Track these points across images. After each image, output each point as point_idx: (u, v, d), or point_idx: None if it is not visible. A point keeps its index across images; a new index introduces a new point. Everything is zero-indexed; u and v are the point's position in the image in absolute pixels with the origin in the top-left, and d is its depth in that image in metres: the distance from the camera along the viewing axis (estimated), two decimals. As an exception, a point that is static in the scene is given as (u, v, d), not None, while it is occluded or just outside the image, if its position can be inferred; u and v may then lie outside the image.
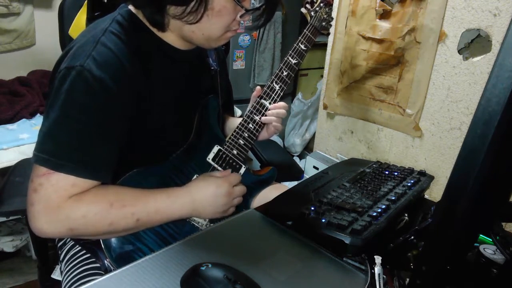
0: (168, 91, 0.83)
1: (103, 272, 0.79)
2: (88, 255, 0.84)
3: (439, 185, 1.32)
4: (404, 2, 1.38)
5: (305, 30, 1.05)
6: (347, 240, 0.64)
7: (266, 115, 0.97)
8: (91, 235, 0.73)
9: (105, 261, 0.78)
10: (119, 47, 0.73)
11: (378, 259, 0.62)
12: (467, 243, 0.60)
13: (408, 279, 0.61)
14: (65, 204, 0.68)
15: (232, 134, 0.95)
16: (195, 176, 0.89)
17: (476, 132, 0.43)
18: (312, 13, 1.10)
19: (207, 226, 0.87)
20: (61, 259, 0.89)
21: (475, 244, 0.66)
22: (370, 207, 0.73)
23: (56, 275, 0.99)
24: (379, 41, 1.47)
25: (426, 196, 0.93)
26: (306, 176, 1.78)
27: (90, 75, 0.69)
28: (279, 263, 0.64)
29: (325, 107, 1.79)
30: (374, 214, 0.70)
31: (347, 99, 1.67)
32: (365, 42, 1.53)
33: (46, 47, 2.14)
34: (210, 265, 0.58)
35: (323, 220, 0.69)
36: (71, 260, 0.85)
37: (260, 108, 0.97)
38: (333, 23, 1.15)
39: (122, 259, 0.76)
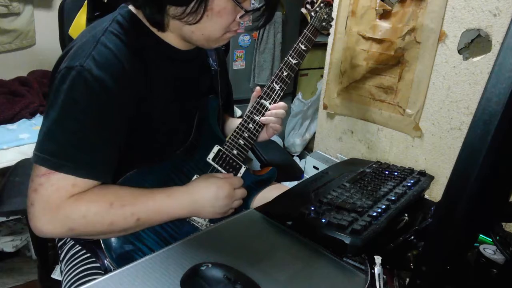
0: (168, 91, 0.83)
1: (103, 272, 0.79)
2: (88, 254, 0.84)
3: (439, 185, 1.32)
4: (404, 2, 1.38)
5: (305, 30, 1.05)
6: (347, 240, 0.64)
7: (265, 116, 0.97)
8: (91, 234, 0.73)
9: (105, 261, 0.78)
10: (119, 47, 0.73)
11: (378, 259, 0.62)
12: (467, 243, 0.60)
13: (408, 279, 0.61)
14: (65, 204, 0.68)
15: (232, 134, 0.95)
16: (195, 176, 0.89)
17: (476, 132, 0.43)
18: (313, 13, 1.10)
19: (207, 226, 0.87)
20: (61, 258, 0.89)
21: (475, 244, 0.66)
22: (370, 207, 0.73)
23: (56, 275, 1.00)
24: (379, 41, 1.47)
25: (426, 196, 0.93)
26: (306, 176, 1.78)
27: (90, 75, 0.69)
28: (279, 263, 0.64)
29: (325, 107, 1.79)
30: (374, 214, 0.70)
31: (347, 99, 1.67)
32: (365, 42, 1.53)
33: (46, 47, 2.14)
34: (210, 265, 0.58)
35: (323, 220, 0.69)
36: (71, 260, 0.85)
37: (260, 108, 0.97)
38: (333, 23, 1.15)
39: (122, 259, 0.76)
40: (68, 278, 0.81)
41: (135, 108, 0.76)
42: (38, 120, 1.81)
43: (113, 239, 0.77)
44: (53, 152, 0.68)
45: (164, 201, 0.77)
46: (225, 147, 0.94)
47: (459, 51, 1.26)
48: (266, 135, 1.01)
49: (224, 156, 0.93)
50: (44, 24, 2.10)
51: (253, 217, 0.78)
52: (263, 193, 1.01)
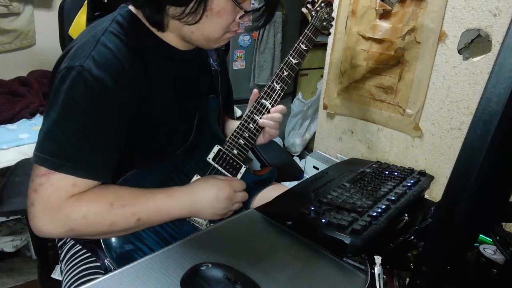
0: (168, 91, 0.83)
1: (103, 272, 0.79)
2: (89, 254, 0.84)
3: (439, 185, 1.32)
4: (404, 2, 1.38)
5: (306, 30, 1.05)
6: (347, 240, 0.64)
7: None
8: (91, 234, 0.73)
9: (106, 261, 0.78)
10: (119, 47, 0.73)
11: (378, 259, 0.62)
12: (467, 243, 0.60)
13: (408, 279, 0.61)
14: (65, 204, 0.68)
15: (233, 134, 0.95)
16: (195, 176, 0.89)
17: (476, 132, 0.43)
18: (313, 13, 1.10)
19: (207, 226, 0.87)
20: (61, 258, 0.89)
21: (475, 244, 0.66)
22: (370, 207, 0.73)
23: (56, 275, 1.00)
24: (379, 41, 1.47)
25: (426, 196, 0.93)
26: (306, 176, 1.78)
27: (90, 75, 0.69)
28: (279, 263, 0.64)
29: (325, 107, 1.79)
30: (374, 214, 0.70)
31: (347, 99, 1.67)
32: (365, 42, 1.53)
33: (46, 47, 2.14)
34: (210, 265, 0.58)
35: (323, 220, 0.69)
36: (71, 260, 0.85)
37: (261, 108, 0.97)
38: (333, 23, 1.15)
39: (122, 259, 0.76)
40: (68, 278, 0.81)
41: (135, 108, 0.76)
42: (38, 120, 1.81)
43: (113, 239, 0.77)
44: (53, 152, 0.68)
45: (165, 201, 0.77)
46: (225, 147, 0.94)
47: (459, 51, 1.26)
48: (263, 139, 1.01)
49: (224, 156, 0.93)
50: (44, 24, 2.10)
51: (253, 217, 0.78)
52: (263, 193, 1.01)
